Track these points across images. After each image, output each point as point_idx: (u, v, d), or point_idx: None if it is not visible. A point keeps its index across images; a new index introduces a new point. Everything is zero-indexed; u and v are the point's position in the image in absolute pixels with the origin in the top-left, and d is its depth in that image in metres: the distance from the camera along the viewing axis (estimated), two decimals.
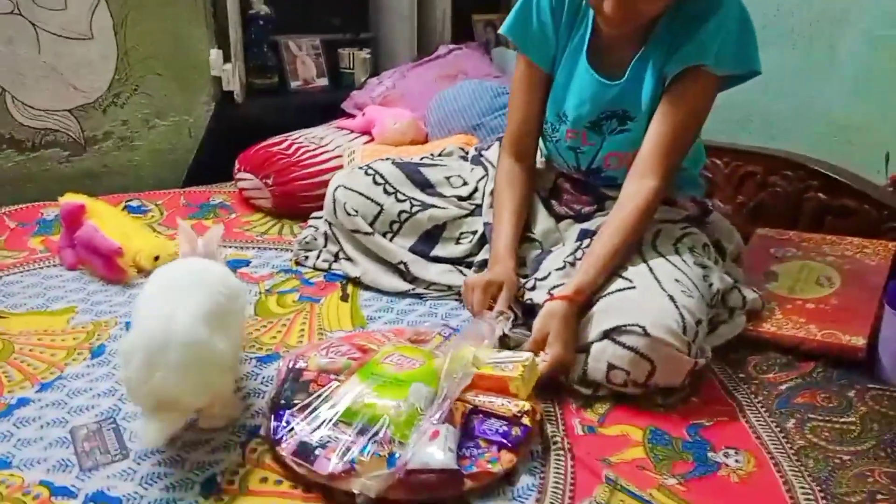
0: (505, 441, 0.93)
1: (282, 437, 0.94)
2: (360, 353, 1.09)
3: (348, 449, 0.89)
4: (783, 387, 1.13)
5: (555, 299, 1.11)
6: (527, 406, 0.98)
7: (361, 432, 0.91)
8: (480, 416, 0.97)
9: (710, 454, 0.98)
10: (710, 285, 1.18)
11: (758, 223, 1.64)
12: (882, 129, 1.68)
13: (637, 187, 1.17)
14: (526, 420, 0.96)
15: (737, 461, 0.97)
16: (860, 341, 1.16)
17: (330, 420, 0.94)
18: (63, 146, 1.99)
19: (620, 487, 0.91)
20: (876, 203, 1.48)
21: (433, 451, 0.88)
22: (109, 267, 1.44)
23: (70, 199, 1.55)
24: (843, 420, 1.04)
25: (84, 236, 1.46)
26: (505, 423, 0.96)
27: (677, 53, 1.16)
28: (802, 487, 0.92)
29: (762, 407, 1.08)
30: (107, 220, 1.53)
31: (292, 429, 0.94)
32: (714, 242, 1.31)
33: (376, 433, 0.90)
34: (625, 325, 1.04)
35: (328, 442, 0.91)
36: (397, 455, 0.88)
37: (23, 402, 1.06)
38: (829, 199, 1.56)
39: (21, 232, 1.71)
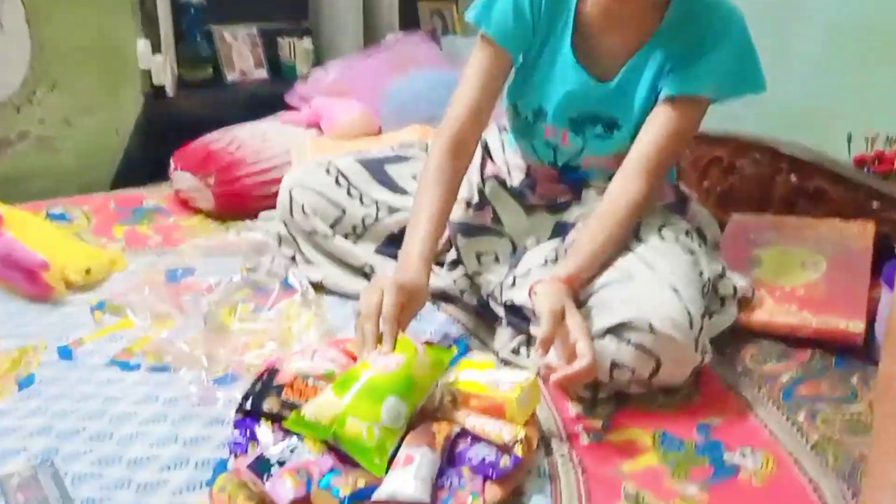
0: (490, 472, 0.82)
1: (244, 450, 0.83)
2: (350, 359, 0.97)
3: (308, 472, 0.78)
4: (784, 378, 1.08)
5: (551, 281, 1.00)
6: (521, 433, 0.84)
7: (328, 451, 0.82)
8: (469, 439, 0.86)
9: (725, 455, 0.92)
10: (701, 274, 1.12)
11: (727, 209, 1.59)
12: (842, 111, 1.67)
13: (628, 186, 1.12)
14: (518, 450, 0.83)
15: (755, 461, 0.91)
16: (859, 326, 1.12)
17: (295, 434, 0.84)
18: None
19: (643, 502, 0.83)
20: (850, 183, 1.45)
21: (404, 479, 0.78)
22: (34, 283, 1.28)
23: None
24: (852, 410, 1.00)
25: (2, 251, 1.28)
26: (494, 450, 0.84)
27: (675, 74, 1.12)
28: (830, 487, 0.86)
29: (769, 400, 1.03)
30: (28, 230, 1.37)
31: (254, 439, 0.84)
32: (696, 230, 1.25)
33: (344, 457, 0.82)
34: (629, 321, 0.96)
35: (286, 460, 0.80)
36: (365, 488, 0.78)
37: None
38: (801, 181, 1.53)
39: None
